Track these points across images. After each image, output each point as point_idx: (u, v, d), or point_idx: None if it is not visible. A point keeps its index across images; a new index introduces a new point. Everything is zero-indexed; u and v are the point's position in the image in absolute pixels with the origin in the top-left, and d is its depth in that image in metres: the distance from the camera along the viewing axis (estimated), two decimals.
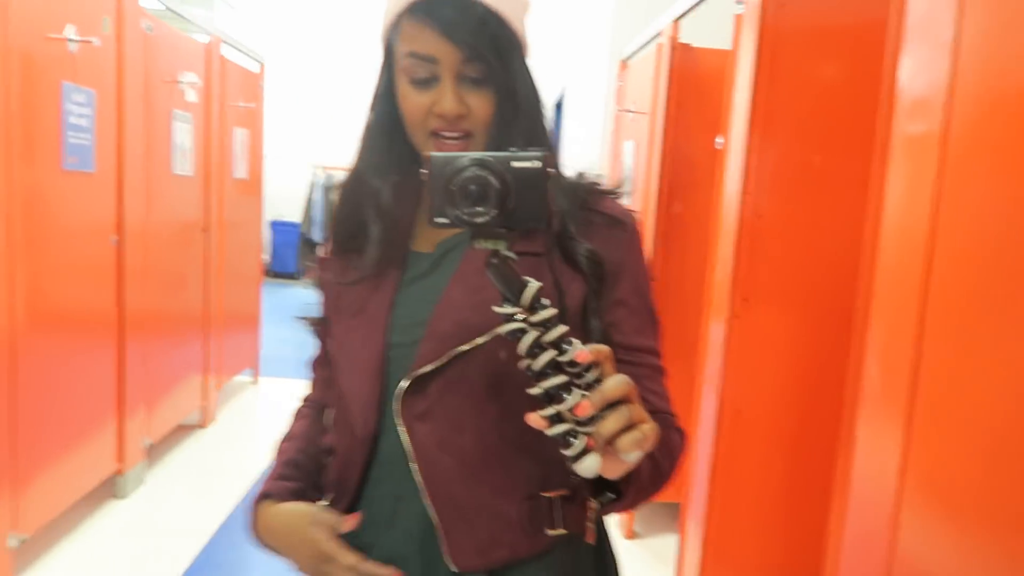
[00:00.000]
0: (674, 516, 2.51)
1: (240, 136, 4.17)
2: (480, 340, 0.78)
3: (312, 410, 1.01)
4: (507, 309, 0.65)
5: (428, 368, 0.80)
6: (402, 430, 0.81)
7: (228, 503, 2.92)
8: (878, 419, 1.20)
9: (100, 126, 2.63)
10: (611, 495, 0.77)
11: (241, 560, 2.55)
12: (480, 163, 0.65)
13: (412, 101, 0.81)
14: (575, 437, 0.62)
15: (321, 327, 0.96)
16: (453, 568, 0.81)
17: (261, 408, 4.29)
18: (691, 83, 2.72)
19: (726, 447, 1.99)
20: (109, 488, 2.88)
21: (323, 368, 0.99)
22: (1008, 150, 0.98)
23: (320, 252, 0.96)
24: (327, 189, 8.88)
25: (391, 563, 0.82)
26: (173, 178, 3.33)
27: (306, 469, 0.95)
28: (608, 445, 0.61)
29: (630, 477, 0.72)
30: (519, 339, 0.64)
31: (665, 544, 2.75)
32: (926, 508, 1.08)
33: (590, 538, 0.86)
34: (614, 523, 2.94)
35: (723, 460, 1.99)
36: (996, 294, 1.00)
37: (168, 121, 3.26)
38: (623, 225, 0.87)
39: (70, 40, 2.40)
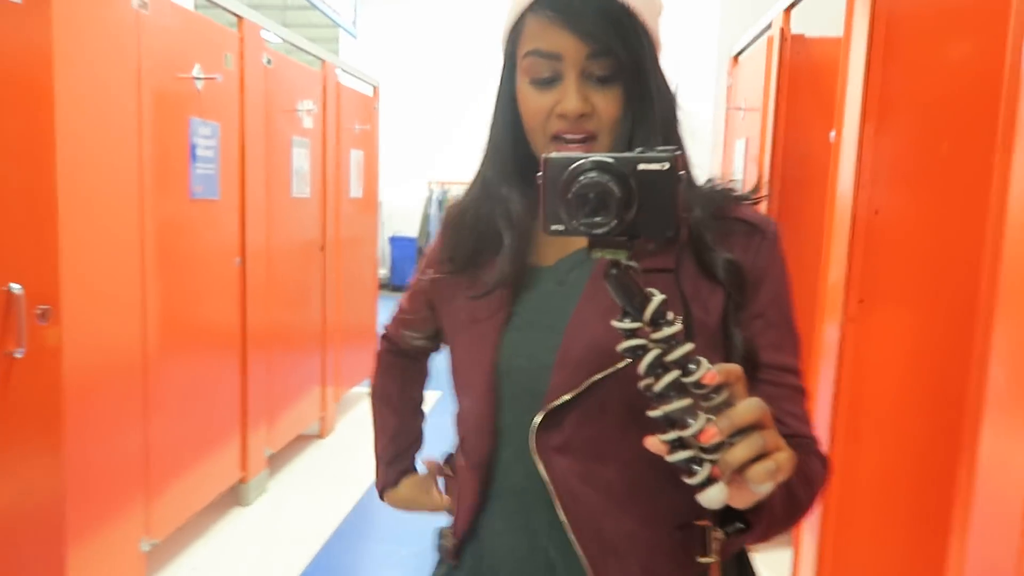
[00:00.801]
0: (789, 529, 2.36)
1: (356, 157, 4.35)
2: (620, 365, 0.70)
3: (397, 358, 1.08)
4: (627, 324, 0.59)
5: (566, 398, 0.75)
6: (539, 466, 0.76)
7: (343, 510, 3.03)
8: (1004, 427, 1.07)
9: (224, 156, 2.81)
10: (740, 525, 0.71)
11: (354, 564, 2.64)
12: (601, 166, 0.58)
13: (533, 102, 0.77)
14: (699, 465, 0.57)
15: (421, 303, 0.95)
16: None
17: None
18: (804, 75, 2.60)
19: (842, 458, 1.86)
20: (234, 496, 3.05)
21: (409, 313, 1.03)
22: None
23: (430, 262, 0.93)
24: (442, 203, 9.15)
25: None
26: (292, 201, 3.51)
27: (408, 447, 1.09)
28: (736, 474, 0.56)
29: (761, 508, 0.65)
30: (640, 357, 0.59)
31: (779, 560, 2.60)
32: None
33: (714, 573, 0.77)
34: None
35: (839, 471, 1.86)
36: None
37: (287, 147, 3.44)
38: (763, 232, 0.80)
39: (196, 78, 2.59)
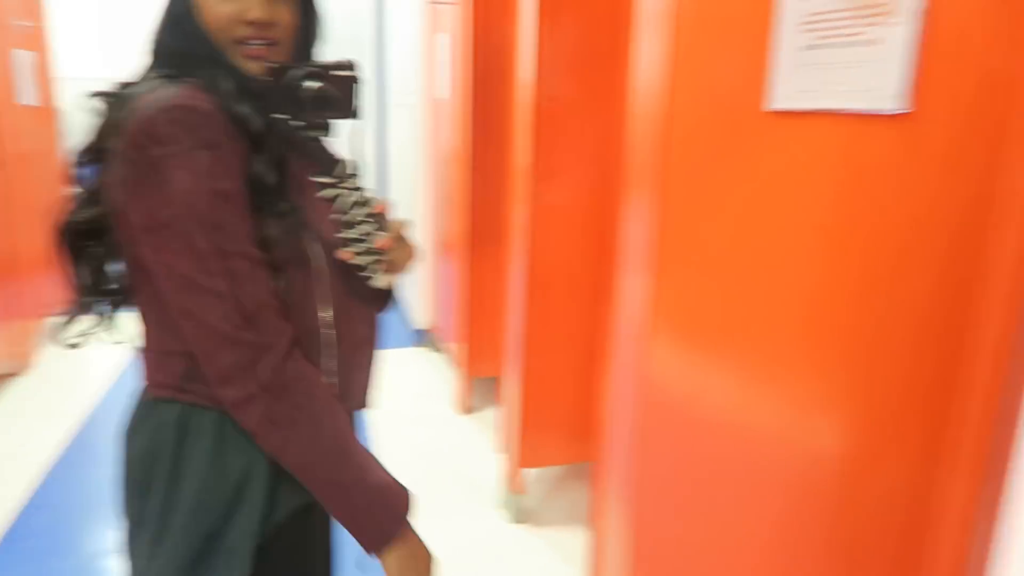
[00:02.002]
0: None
1: (23, 59, 3.74)
2: None
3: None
4: (326, 179, 0.90)
5: None
6: None
7: (60, 444, 2.82)
8: (636, 269, 1.38)
9: None
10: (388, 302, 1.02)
11: (83, 493, 2.52)
12: (316, 75, 0.86)
13: (217, 8, 0.84)
14: (374, 263, 0.92)
15: None
16: None
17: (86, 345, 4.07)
18: None
19: (535, 316, 2.18)
20: None
21: None
22: (721, 23, 1.13)
23: None
24: None
25: None
26: None
27: None
28: (392, 264, 0.95)
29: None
30: (337, 199, 0.90)
31: (496, 414, 2.98)
32: (669, 336, 1.28)
33: None
34: (450, 403, 3.15)
35: (532, 328, 2.18)
36: (715, 152, 1.17)
37: None
38: None
39: None
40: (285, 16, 0.87)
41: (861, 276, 0.89)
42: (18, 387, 3.42)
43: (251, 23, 0.84)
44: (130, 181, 0.79)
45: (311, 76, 0.86)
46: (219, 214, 0.78)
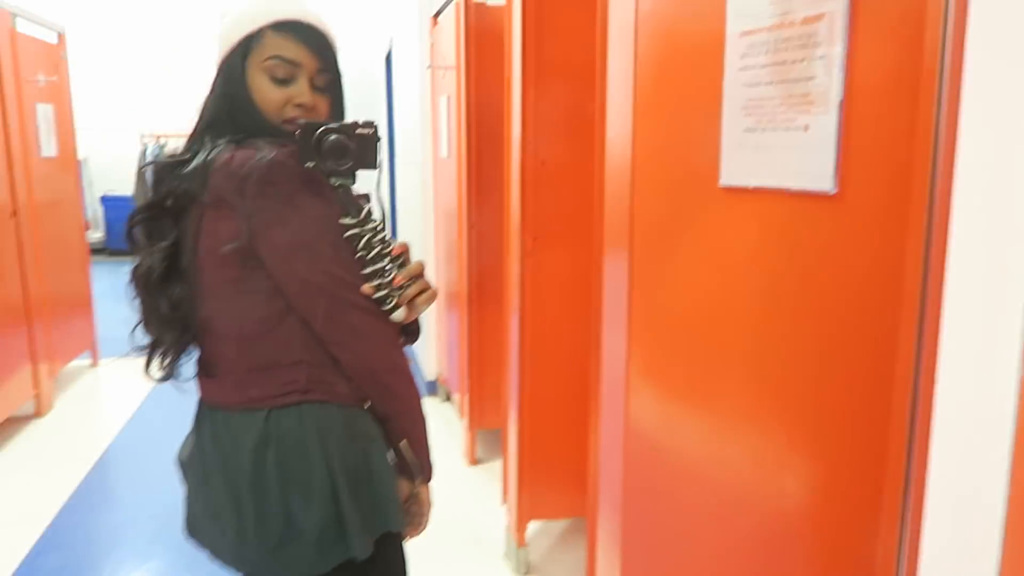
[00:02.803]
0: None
1: (44, 112, 3.95)
2: None
3: None
4: (349, 221, 1.06)
5: None
6: None
7: (70, 486, 2.90)
8: (614, 329, 1.45)
9: None
10: (413, 330, 1.18)
11: (88, 535, 2.58)
12: (338, 130, 1.05)
13: (271, 94, 1.10)
14: (390, 299, 1.07)
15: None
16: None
17: (103, 390, 4.19)
18: (487, 39, 2.85)
19: (531, 370, 2.23)
20: None
21: None
22: (676, 99, 1.21)
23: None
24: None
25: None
26: None
27: None
28: (409, 303, 1.09)
29: (417, 321, 1.18)
30: (359, 239, 1.05)
31: (501, 466, 3.02)
32: (643, 392, 1.34)
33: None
34: (459, 454, 3.18)
35: (529, 381, 2.24)
36: (673, 222, 1.24)
37: None
38: None
39: None
40: (323, 104, 1.14)
41: (797, 337, 0.95)
42: (34, 429, 3.53)
43: (299, 105, 1.10)
44: (267, 213, 1.02)
45: (336, 131, 1.05)
46: (339, 234, 1.06)
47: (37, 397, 3.64)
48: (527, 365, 2.24)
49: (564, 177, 2.19)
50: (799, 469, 0.97)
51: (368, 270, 1.05)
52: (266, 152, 1.03)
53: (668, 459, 1.27)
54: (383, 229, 1.06)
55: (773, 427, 1.00)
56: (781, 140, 0.98)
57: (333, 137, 1.04)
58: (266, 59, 1.09)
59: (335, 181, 1.06)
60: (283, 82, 1.10)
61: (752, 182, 1.03)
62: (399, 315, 1.07)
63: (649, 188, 1.30)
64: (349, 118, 1.14)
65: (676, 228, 1.22)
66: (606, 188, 1.48)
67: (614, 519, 1.47)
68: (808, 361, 0.93)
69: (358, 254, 1.05)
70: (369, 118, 1.10)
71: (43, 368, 3.67)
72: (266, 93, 1.10)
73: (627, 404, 1.40)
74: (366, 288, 1.05)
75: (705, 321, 1.14)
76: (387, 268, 1.07)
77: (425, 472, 1.19)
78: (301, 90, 1.10)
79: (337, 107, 1.17)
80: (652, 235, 1.30)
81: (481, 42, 2.86)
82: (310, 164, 1.03)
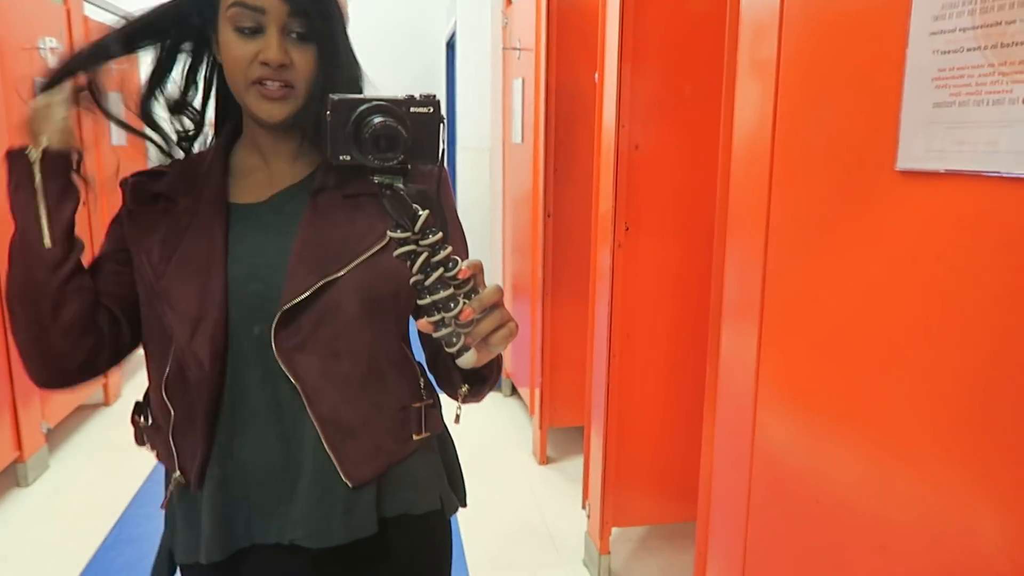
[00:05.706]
0: (581, 439, 2.64)
1: (114, 99, 3.94)
2: (355, 263, 0.86)
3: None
4: (400, 235, 0.72)
5: (301, 298, 0.85)
6: (282, 365, 0.86)
7: (139, 477, 2.88)
8: (737, 330, 1.30)
9: None
10: (482, 376, 0.91)
11: (158, 530, 2.54)
12: (384, 110, 0.71)
13: (236, 49, 0.85)
14: (457, 338, 0.73)
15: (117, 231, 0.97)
16: (347, 482, 0.89)
17: None
18: (571, 20, 2.74)
19: (619, 368, 2.10)
20: (11, 477, 2.80)
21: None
22: (834, 73, 1.06)
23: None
24: None
25: (280, 488, 0.90)
26: None
27: None
28: (482, 341, 0.73)
29: (492, 364, 0.88)
30: (412, 260, 0.72)
31: (575, 466, 2.90)
32: (778, 405, 1.20)
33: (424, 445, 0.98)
34: (528, 452, 3.08)
35: (617, 380, 2.11)
36: (830, 211, 1.10)
37: (27, 90, 3.04)
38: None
39: None
40: (303, 58, 0.86)
41: (992, 351, 0.80)
42: (103, 417, 3.51)
43: (265, 63, 0.84)
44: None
45: (383, 111, 0.71)
46: None
47: (105, 386, 3.65)
48: (615, 362, 2.11)
49: (659, 163, 2.05)
50: (997, 505, 0.82)
51: (426, 301, 0.72)
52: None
53: (808, 482, 1.13)
54: (447, 244, 0.73)
55: (961, 455, 0.86)
56: (989, 116, 0.83)
57: (378, 119, 0.71)
58: (229, 6, 0.85)
59: (380, 180, 0.73)
60: (250, 33, 0.84)
61: (945, 166, 0.88)
62: (468, 359, 0.74)
63: (793, 173, 1.15)
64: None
65: (831, 218, 1.07)
66: (732, 174, 1.34)
67: (735, 537, 1.33)
68: (1007, 379, 0.79)
69: (413, 279, 0.72)
70: (429, 92, 0.76)
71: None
72: (231, 50, 0.85)
73: (755, 416, 1.26)
74: (423, 324, 0.73)
75: (869, 328, 0.99)
76: (449, 299, 0.73)
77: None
78: (268, 43, 0.84)
79: (328, 61, 0.87)
80: (796, 226, 1.15)
81: (562, 22, 2.73)
82: (345, 158, 0.71)
